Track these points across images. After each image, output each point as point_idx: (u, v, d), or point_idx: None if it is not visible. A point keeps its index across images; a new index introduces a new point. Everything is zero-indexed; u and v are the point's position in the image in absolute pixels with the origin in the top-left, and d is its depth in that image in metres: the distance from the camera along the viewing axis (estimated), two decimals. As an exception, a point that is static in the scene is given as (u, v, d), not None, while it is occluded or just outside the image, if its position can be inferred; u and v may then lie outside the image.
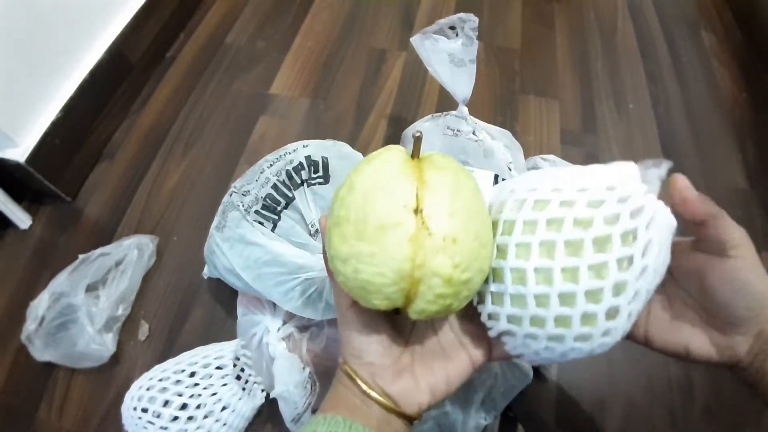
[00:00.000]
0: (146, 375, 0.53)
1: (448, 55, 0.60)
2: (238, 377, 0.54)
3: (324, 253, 0.28)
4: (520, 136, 0.80)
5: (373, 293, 0.24)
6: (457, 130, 0.61)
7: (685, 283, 0.28)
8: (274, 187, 0.53)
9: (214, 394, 0.52)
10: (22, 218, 0.71)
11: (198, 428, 0.50)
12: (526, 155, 0.67)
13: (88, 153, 0.78)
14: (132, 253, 0.65)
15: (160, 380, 0.52)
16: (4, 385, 0.60)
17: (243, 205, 0.53)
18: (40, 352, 0.57)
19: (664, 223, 0.24)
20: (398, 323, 0.30)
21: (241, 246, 0.51)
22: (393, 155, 0.25)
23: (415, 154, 0.25)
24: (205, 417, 0.51)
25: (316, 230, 0.53)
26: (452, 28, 0.59)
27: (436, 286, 0.23)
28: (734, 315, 0.26)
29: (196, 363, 0.54)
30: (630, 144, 0.82)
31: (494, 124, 0.66)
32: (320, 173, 0.55)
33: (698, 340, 0.27)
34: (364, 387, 0.27)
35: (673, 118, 0.86)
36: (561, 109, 0.86)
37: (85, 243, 0.69)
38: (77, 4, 0.73)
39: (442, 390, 0.28)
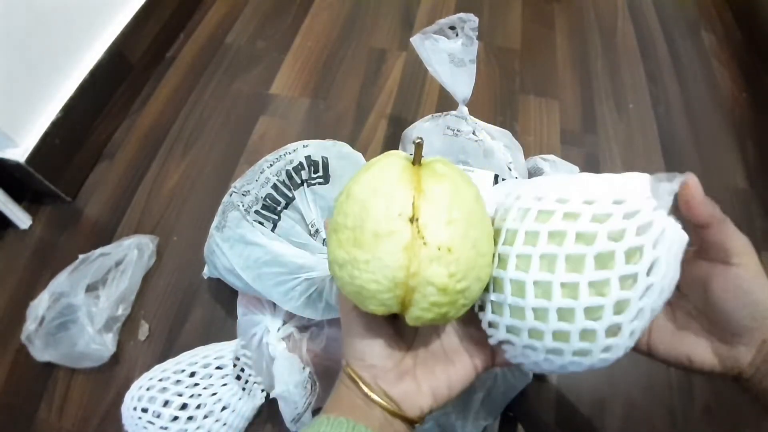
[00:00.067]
0: (146, 375, 0.53)
1: (448, 55, 0.60)
2: (238, 377, 0.54)
3: None
4: (520, 136, 0.80)
5: (368, 299, 0.24)
6: (457, 130, 0.61)
7: (688, 291, 0.28)
8: (274, 187, 0.53)
9: (214, 394, 0.52)
10: (22, 218, 0.71)
11: (198, 428, 0.50)
12: (526, 155, 0.67)
13: (88, 153, 0.78)
14: (132, 253, 0.65)
15: (160, 380, 0.52)
16: (4, 385, 0.60)
17: (243, 205, 0.53)
18: (40, 352, 0.57)
19: (674, 240, 0.23)
20: (401, 326, 0.30)
21: (241, 246, 0.51)
22: (392, 162, 0.25)
23: (416, 160, 0.25)
24: (205, 417, 0.51)
25: (316, 230, 0.53)
26: (452, 28, 0.59)
27: (431, 295, 0.23)
28: (737, 325, 0.25)
29: (196, 363, 0.54)
30: (630, 144, 0.82)
31: (494, 124, 0.66)
32: (320, 173, 0.55)
33: (701, 350, 0.27)
34: (366, 389, 0.27)
35: (673, 118, 0.86)
36: (561, 109, 0.86)
37: (85, 243, 0.69)
38: (77, 4, 0.73)
39: (444, 394, 0.28)
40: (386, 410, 0.27)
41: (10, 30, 0.63)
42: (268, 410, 0.56)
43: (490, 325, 0.27)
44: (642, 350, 0.29)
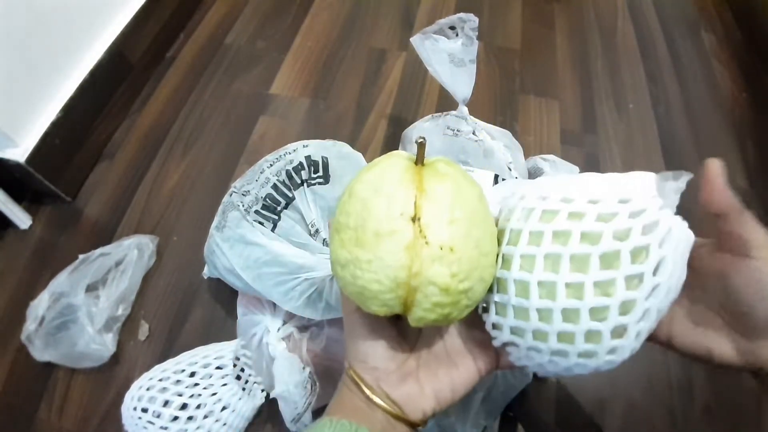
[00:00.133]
0: (146, 375, 0.53)
1: (448, 55, 0.60)
2: (238, 377, 0.54)
3: None
4: (520, 136, 0.80)
5: (371, 299, 0.24)
6: (457, 130, 0.61)
7: (708, 285, 0.27)
8: (274, 187, 0.53)
9: (214, 394, 0.52)
10: (22, 218, 0.71)
11: (198, 428, 0.50)
12: (526, 155, 0.67)
13: (88, 153, 0.78)
14: (132, 253, 0.65)
15: (160, 380, 0.52)
16: (4, 385, 0.60)
17: (243, 205, 0.53)
18: (40, 352, 0.57)
19: (681, 239, 0.23)
20: (405, 328, 0.30)
21: (241, 246, 0.51)
22: (394, 162, 0.25)
23: (418, 160, 0.25)
24: (205, 417, 0.51)
25: (316, 230, 0.53)
26: (452, 28, 0.59)
27: (433, 295, 0.23)
28: (758, 319, 0.24)
29: (196, 363, 0.54)
30: (630, 144, 0.82)
31: (494, 124, 0.66)
32: (320, 173, 0.55)
33: (721, 345, 0.26)
34: (368, 392, 0.27)
35: (673, 118, 0.86)
36: (561, 109, 0.86)
37: (85, 243, 0.69)
38: (77, 4, 0.73)
39: (447, 397, 0.28)
40: (388, 413, 0.27)
41: (10, 30, 0.63)
42: (268, 410, 0.56)
43: (494, 326, 0.26)
44: (662, 342, 0.28)
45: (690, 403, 0.58)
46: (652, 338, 0.27)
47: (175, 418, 0.50)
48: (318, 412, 0.50)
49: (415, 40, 0.61)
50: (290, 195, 0.53)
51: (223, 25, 0.99)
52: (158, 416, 0.50)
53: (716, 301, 0.27)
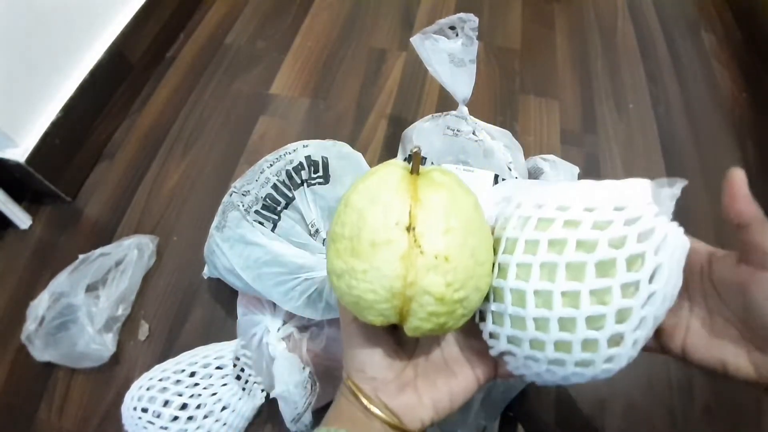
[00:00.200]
0: (146, 375, 0.53)
1: (448, 55, 0.60)
2: (238, 377, 0.54)
3: None
4: (520, 136, 0.80)
5: (366, 309, 0.24)
6: (457, 130, 0.61)
7: (727, 297, 0.26)
8: (274, 187, 0.53)
9: (214, 394, 0.52)
10: (22, 218, 0.71)
11: (198, 428, 0.50)
12: (526, 155, 0.67)
13: (88, 153, 0.78)
14: (132, 253, 0.65)
15: (160, 380, 0.52)
16: (4, 385, 0.60)
17: (243, 205, 0.53)
18: (40, 352, 0.57)
19: (676, 246, 0.23)
20: (402, 337, 0.29)
21: (241, 246, 0.51)
22: (389, 171, 0.25)
23: (414, 169, 0.25)
24: (205, 417, 0.51)
25: (316, 230, 0.53)
26: (452, 28, 0.59)
27: (428, 305, 0.23)
28: None
29: (196, 363, 0.54)
30: (630, 144, 0.82)
31: (494, 124, 0.66)
32: (320, 173, 0.55)
33: (737, 358, 0.26)
34: (366, 402, 0.27)
35: (673, 118, 0.86)
36: (561, 109, 0.86)
37: (85, 243, 0.69)
38: (77, 4, 0.73)
39: (445, 406, 0.28)
40: (386, 423, 0.27)
41: (10, 30, 0.63)
42: (268, 410, 0.56)
43: (491, 335, 0.26)
44: (677, 354, 0.28)
45: (690, 403, 0.58)
46: (666, 350, 0.27)
47: (175, 418, 0.50)
48: (318, 412, 0.50)
49: (415, 40, 0.61)
50: (290, 195, 0.53)
51: (223, 25, 0.99)
52: (158, 416, 0.50)
53: (734, 313, 0.26)
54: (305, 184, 0.54)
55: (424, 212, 0.23)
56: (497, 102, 0.87)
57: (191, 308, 0.65)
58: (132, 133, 0.82)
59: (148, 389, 0.51)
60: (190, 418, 0.50)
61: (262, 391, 0.55)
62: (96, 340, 0.57)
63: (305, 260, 0.49)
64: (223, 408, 0.52)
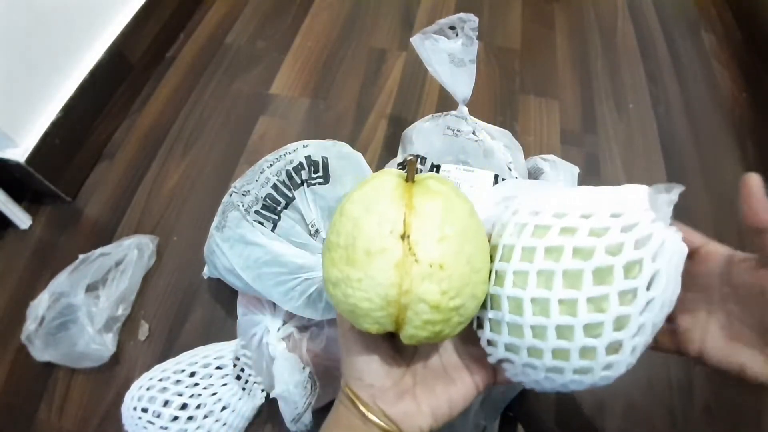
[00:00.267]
0: (146, 375, 0.53)
1: (448, 55, 0.60)
2: (238, 377, 0.54)
3: None
4: (520, 136, 0.80)
5: (362, 317, 0.24)
6: (457, 130, 0.61)
7: (746, 300, 0.26)
8: (274, 187, 0.53)
9: (214, 394, 0.52)
10: (22, 218, 0.71)
11: (198, 428, 0.50)
12: (526, 155, 0.67)
13: (88, 153, 0.78)
14: (132, 253, 0.65)
15: (160, 380, 0.52)
16: (4, 385, 0.60)
17: (243, 205, 0.52)
18: (40, 352, 0.57)
19: (674, 252, 0.23)
20: (400, 345, 0.29)
21: (241, 246, 0.51)
22: (384, 180, 0.25)
23: (409, 177, 0.25)
24: (205, 417, 0.51)
25: (316, 230, 0.53)
26: (452, 28, 0.59)
27: (423, 313, 0.23)
28: None
29: (196, 363, 0.54)
30: (630, 144, 0.82)
31: (494, 124, 0.66)
32: (320, 173, 0.55)
33: (755, 362, 0.25)
34: (364, 410, 0.27)
35: (673, 118, 0.86)
36: (561, 109, 0.86)
37: (85, 243, 0.69)
38: (77, 4, 0.73)
39: (444, 413, 0.28)
40: (385, 431, 0.27)
41: (10, 30, 0.63)
42: (268, 410, 0.56)
43: (489, 343, 0.26)
44: (694, 356, 0.28)
45: (690, 403, 0.58)
46: (684, 351, 0.27)
47: (175, 418, 0.50)
48: (318, 412, 0.50)
49: (415, 40, 0.61)
50: (290, 195, 0.53)
51: (223, 25, 0.99)
52: (158, 416, 0.50)
53: (754, 317, 0.26)
54: (305, 184, 0.54)
55: (418, 220, 0.23)
56: (497, 102, 0.87)
57: (191, 308, 0.65)
58: (132, 133, 0.82)
59: (148, 389, 0.51)
60: (190, 418, 0.50)
61: (262, 391, 0.55)
62: (96, 340, 0.57)
63: (305, 260, 0.49)
64: (223, 408, 0.52)
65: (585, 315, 0.22)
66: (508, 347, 0.25)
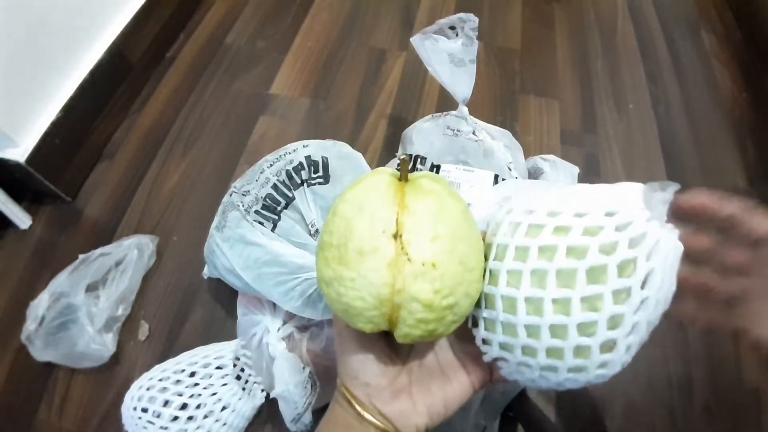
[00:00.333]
0: (146, 375, 0.53)
1: (448, 55, 0.60)
2: (238, 377, 0.54)
3: None
4: (520, 136, 0.80)
5: (356, 316, 0.24)
6: (457, 130, 0.61)
7: None
8: (274, 187, 0.53)
9: (214, 394, 0.52)
10: (22, 218, 0.71)
11: (198, 428, 0.50)
12: (526, 155, 0.67)
13: (88, 153, 0.78)
14: (132, 253, 0.65)
15: (160, 380, 0.52)
16: (4, 385, 0.60)
17: (243, 205, 0.53)
18: (40, 352, 0.57)
19: (669, 250, 0.23)
20: (396, 344, 0.29)
21: (241, 246, 0.51)
22: (377, 180, 0.25)
23: (402, 176, 0.25)
24: (205, 417, 0.51)
25: (316, 230, 0.53)
26: (452, 28, 0.59)
27: (417, 312, 0.23)
28: None
29: (196, 363, 0.54)
30: (630, 144, 0.82)
31: (494, 124, 0.66)
32: (320, 173, 0.55)
33: None
34: (359, 409, 0.27)
35: (673, 118, 0.86)
36: (561, 109, 0.86)
37: (85, 243, 0.69)
38: (77, 4, 0.73)
39: (440, 412, 0.28)
40: (381, 429, 0.27)
41: (10, 30, 0.63)
42: (268, 410, 0.56)
43: (484, 342, 0.26)
44: (754, 345, 0.27)
45: (690, 403, 0.58)
46: (739, 336, 0.27)
47: (175, 418, 0.50)
48: (318, 412, 0.50)
49: (415, 40, 0.61)
50: (290, 195, 0.53)
51: (223, 25, 0.99)
52: (158, 416, 0.50)
53: None
54: (305, 184, 0.54)
55: (411, 219, 0.23)
56: (497, 102, 0.87)
57: (191, 308, 0.65)
58: (132, 133, 0.82)
59: (148, 389, 0.51)
60: (190, 418, 0.50)
61: (262, 391, 0.55)
62: (96, 340, 0.57)
63: (305, 260, 0.49)
64: (223, 408, 0.52)
65: (579, 314, 0.22)
66: (503, 346, 0.25)
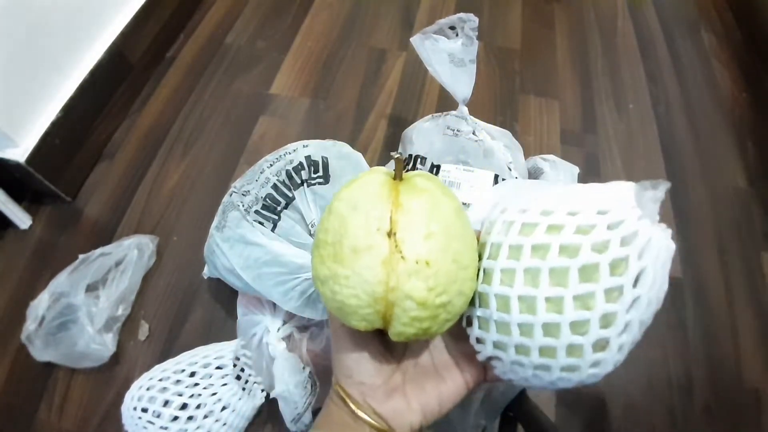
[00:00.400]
0: (146, 375, 0.53)
1: (448, 55, 0.60)
2: (238, 377, 0.54)
3: None
4: (520, 136, 0.80)
5: (350, 314, 0.24)
6: (457, 130, 0.61)
7: None
8: (274, 187, 0.53)
9: (214, 394, 0.52)
10: (22, 218, 0.71)
11: (198, 428, 0.50)
12: (526, 155, 0.67)
13: (88, 153, 0.78)
14: (132, 253, 0.65)
15: (160, 380, 0.52)
16: (4, 385, 0.60)
17: (243, 205, 0.53)
18: (40, 352, 0.57)
19: (661, 249, 0.23)
20: (390, 342, 0.30)
21: (241, 246, 0.51)
22: (372, 179, 0.25)
23: (396, 175, 0.25)
24: (205, 417, 0.51)
25: (316, 230, 0.53)
26: (452, 28, 0.59)
27: (411, 309, 0.23)
28: None
29: (196, 363, 0.54)
30: (630, 144, 0.82)
31: (494, 124, 0.66)
32: (320, 173, 0.55)
33: None
34: (354, 407, 0.27)
35: (673, 118, 0.86)
36: (561, 109, 0.86)
37: (85, 243, 0.69)
38: (77, 4, 0.73)
39: (434, 410, 0.28)
40: (375, 428, 0.27)
41: (10, 30, 0.63)
42: (268, 410, 0.56)
43: (478, 340, 0.26)
44: None
45: (690, 403, 0.58)
46: None
47: (175, 418, 0.50)
48: (318, 412, 0.50)
49: (415, 40, 0.61)
50: (290, 195, 0.53)
51: (223, 25, 0.99)
52: (158, 416, 0.50)
53: None
54: (305, 184, 0.54)
55: (405, 217, 0.23)
56: (497, 102, 0.87)
57: (191, 308, 0.65)
58: (132, 133, 0.82)
59: (148, 389, 0.51)
60: (190, 418, 0.50)
61: (262, 391, 0.55)
62: (96, 340, 0.57)
63: (305, 260, 0.49)
64: (223, 408, 0.52)
65: (571, 312, 0.22)
66: (497, 345, 0.25)
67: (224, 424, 0.52)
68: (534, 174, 0.64)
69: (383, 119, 0.84)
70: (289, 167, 0.54)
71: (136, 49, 0.85)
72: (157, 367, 0.54)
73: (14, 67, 0.64)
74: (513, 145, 0.64)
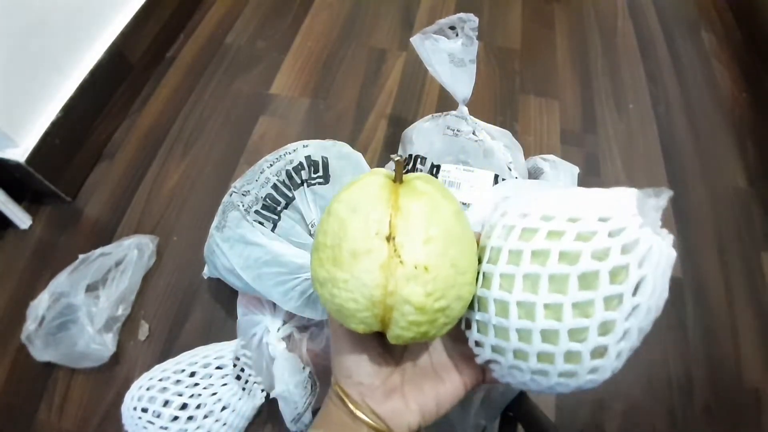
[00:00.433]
0: (146, 375, 0.53)
1: (448, 55, 0.60)
2: (238, 377, 0.54)
3: None
4: (520, 136, 0.80)
5: (348, 317, 0.24)
6: (457, 130, 0.61)
7: None
8: (274, 187, 0.53)
9: (214, 394, 0.52)
10: (22, 218, 0.71)
11: (198, 428, 0.50)
12: (526, 155, 0.67)
13: (88, 153, 0.78)
14: (132, 253, 0.65)
15: (160, 380, 0.52)
16: (4, 385, 0.60)
17: (243, 205, 0.53)
18: (40, 352, 0.57)
19: (662, 257, 0.23)
20: (390, 343, 0.30)
21: (241, 246, 0.51)
22: (371, 181, 0.25)
23: (396, 177, 0.25)
24: (205, 417, 0.51)
25: (316, 230, 0.53)
26: (452, 28, 0.59)
27: (409, 314, 0.23)
28: None
29: (196, 363, 0.54)
30: (630, 144, 0.82)
31: (494, 124, 0.66)
32: (320, 173, 0.55)
33: None
34: (352, 407, 0.27)
35: (673, 118, 0.86)
36: (561, 109, 0.86)
37: (85, 243, 0.69)
38: (77, 4, 0.73)
39: (432, 411, 0.28)
40: (373, 428, 0.27)
41: (10, 30, 0.63)
42: (268, 410, 0.56)
43: (476, 344, 0.26)
44: None
45: (690, 403, 0.58)
46: None
47: (175, 417, 0.50)
48: (318, 412, 0.50)
49: (415, 40, 0.61)
50: (290, 195, 0.53)
51: (223, 25, 0.99)
52: (158, 416, 0.50)
53: None
54: (305, 184, 0.54)
55: (404, 222, 0.23)
56: (497, 102, 0.87)
57: (191, 308, 0.65)
58: (132, 133, 0.82)
59: (148, 389, 0.51)
60: (190, 418, 0.50)
61: (262, 391, 0.55)
62: (96, 340, 0.57)
63: (305, 260, 0.49)
64: (223, 408, 0.52)
65: (570, 320, 0.22)
66: (495, 349, 0.25)
67: (224, 424, 0.52)
68: (534, 174, 0.64)
69: (383, 119, 0.84)
70: (289, 167, 0.54)
71: (136, 49, 0.85)
72: (157, 367, 0.54)
73: (14, 67, 0.64)
74: (513, 145, 0.64)
